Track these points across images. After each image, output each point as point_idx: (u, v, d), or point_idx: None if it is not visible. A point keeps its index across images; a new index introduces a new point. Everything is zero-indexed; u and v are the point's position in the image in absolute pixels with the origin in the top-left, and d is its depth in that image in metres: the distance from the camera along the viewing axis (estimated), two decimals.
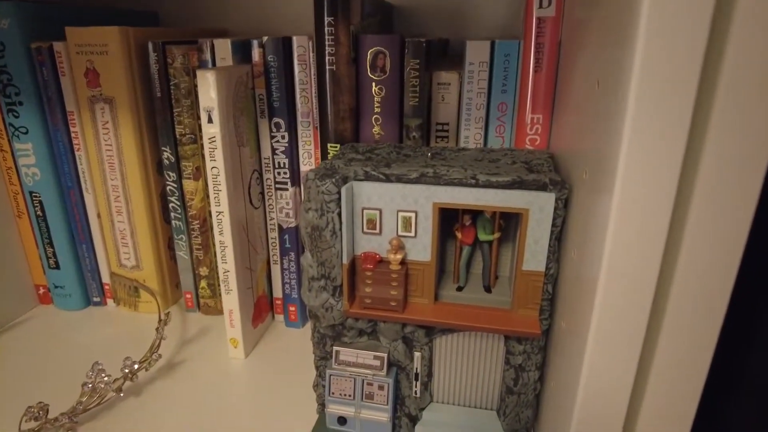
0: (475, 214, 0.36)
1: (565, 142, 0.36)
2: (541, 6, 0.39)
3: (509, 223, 0.37)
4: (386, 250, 0.35)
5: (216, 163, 0.42)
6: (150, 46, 0.48)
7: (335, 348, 0.38)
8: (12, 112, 0.51)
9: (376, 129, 0.44)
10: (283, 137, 0.48)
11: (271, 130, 0.48)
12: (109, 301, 0.59)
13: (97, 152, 0.51)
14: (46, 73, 0.50)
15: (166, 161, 0.52)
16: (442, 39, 0.56)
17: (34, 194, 0.53)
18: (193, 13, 0.64)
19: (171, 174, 0.52)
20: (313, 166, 0.47)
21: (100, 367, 0.41)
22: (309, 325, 0.55)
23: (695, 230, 0.24)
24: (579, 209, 0.30)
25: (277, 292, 0.54)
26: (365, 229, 0.35)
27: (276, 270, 0.53)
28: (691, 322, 0.26)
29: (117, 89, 0.49)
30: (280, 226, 0.51)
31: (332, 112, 0.44)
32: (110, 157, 0.51)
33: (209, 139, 0.42)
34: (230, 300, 0.47)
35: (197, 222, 0.53)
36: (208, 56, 0.47)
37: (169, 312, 0.49)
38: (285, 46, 0.45)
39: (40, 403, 0.38)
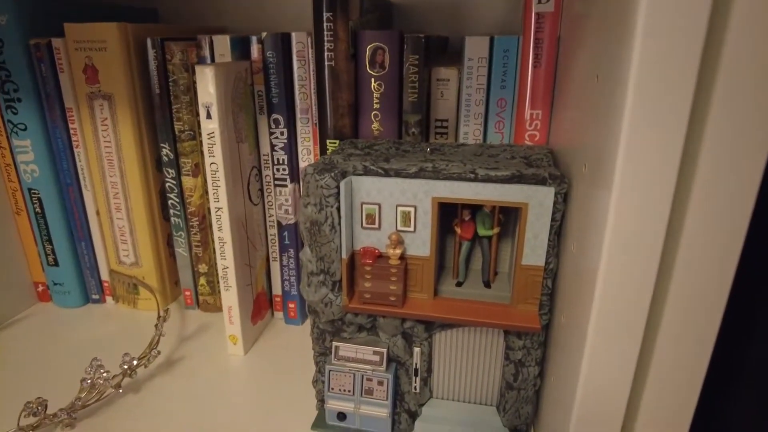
0: (475, 209, 0.36)
1: (565, 138, 0.36)
2: (540, 1, 0.38)
3: (508, 218, 0.37)
4: (385, 245, 0.35)
5: (215, 158, 0.42)
6: (149, 42, 0.48)
7: (335, 343, 0.38)
8: (11, 109, 0.50)
9: (375, 125, 0.44)
10: (282, 133, 0.48)
11: (270, 127, 0.48)
12: (108, 299, 0.58)
13: (96, 149, 0.51)
14: (44, 69, 0.49)
15: (165, 158, 0.51)
16: (442, 36, 0.56)
17: (32, 191, 0.53)
18: (192, 10, 0.64)
19: (170, 171, 0.52)
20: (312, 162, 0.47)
21: (99, 363, 0.41)
22: (308, 322, 0.55)
23: (694, 223, 0.24)
24: (578, 203, 0.30)
25: (277, 289, 0.54)
26: (364, 224, 0.35)
27: (275, 267, 0.53)
28: (690, 315, 0.26)
29: (116, 86, 0.49)
30: (279, 223, 0.51)
31: (331, 108, 0.44)
32: (109, 153, 0.51)
33: (208, 134, 0.42)
34: (229, 296, 0.47)
35: (196, 219, 0.53)
36: (206, 52, 0.47)
37: (168, 309, 0.49)
38: (284, 42, 0.45)
39: (39, 398, 0.38)
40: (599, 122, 0.26)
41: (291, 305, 0.53)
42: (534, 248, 0.33)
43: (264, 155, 0.49)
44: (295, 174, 0.49)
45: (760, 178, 0.23)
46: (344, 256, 0.35)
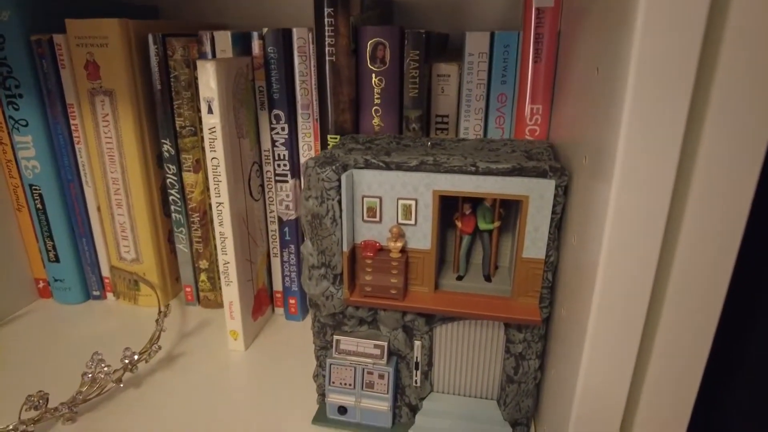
0: (475, 203, 0.36)
1: (565, 132, 0.36)
2: None
3: (509, 212, 0.37)
4: (386, 238, 0.35)
5: (216, 153, 0.42)
6: (150, 38, 0.48)
7: (335, 337, 0.38)
8: (12, 105, 0.51)
9: (375, 120, 0.44)
10: (283, 129, 0.48)
11: (270, 122, 0.48)
12: (109, 295, 0.59)
13: (97, 145, 0.52)
14: (46, 65, 0.50)
15: (166, 154, 0.52)
16: (442, 34, 0.56)
17: (33, 187, 0.53)
18: (193, 7, 0.64)
19: (171, 167, 0.52)
20: None
21: (100, 357, 0.41)
22: (309, 318, 0.55)
23: (694, 215, 0.24)
24: (579, 196, 0.30)
25: (277, 285, 0.54)
26: (365, 217, 0.35)
27: (276, 263, 0.53)
28: (690, 307, 0.26)
29: (117, 82, 0.49)
30: (280, 219, 0.51)
31: (332, 104, 0.44)
32: (110, 149, 0.51)
33: (209, 129, 0.42)
34: (230, 292, 0.47)
35: (197, 215, 0.53)
36: (208, 48, 0.47)
37: (169, 304, 0.49)
38: (285, 38, 0.46)
39: (40, 391, 0.38)
40: (599, 114, 0.26)
41: (292, 301, 0.54)
42: (534, 241, 0.33)
43: (265, 151, 0.49)
44: (296, 170, 0.50)
45: (759, 170, 0.23)
46: (345, 249, 0.35)
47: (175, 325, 0.54)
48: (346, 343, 0.38)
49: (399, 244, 0.34)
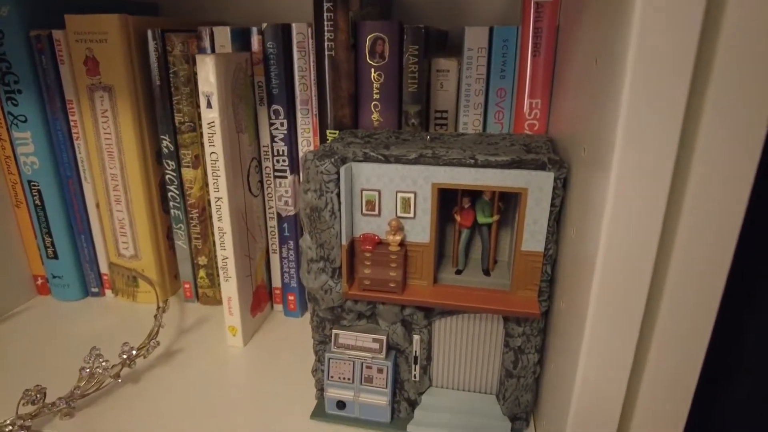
0: (474, 196, 0.36)
1: (564, 126, 0.36)
2: None
3: (508, 206, 0.37)
4: (385, 231, 0.35)
5: (215, 148, 0.42)
6: (149, 33, 0.48)
7: (334, 331, 0.38)
8: (11, 101, 0.51)
9: (375, 115, 0.44)
10: (282, 124, 0.48)
11: (270, 118, 0.48)
12: (108, 292, 0.58)
13: (96, 141, 0.51)
14: (45, 61, 0.50)
15: (165, 150, 0.51)
16: (441, 31, 0.56)
17: (32, 183, 0.53)
18: (192, 4, 0.64)
19: (170, 163, 0.52)
20: None
21: (98, 352, 0.41)
22: (308, 315, 0.55)
23: (693, 205, 0.24)
24: (578, 189, 0.30)
25: (276, 282, 0.54)
26: (364, 211, 0.35)
27: (275, 259, 0.53)
28: (689, 299, 0.26)
29: (116, 77, 0.49)
30: (279, 215, 0.51)
31: (331, 99, 0.44)
32: (109, 145, 0.51)
33: (208, 124, 0.42)
34: (229, 287, 0.47)
35: (196, 211, 0.53)
36: (207, 44, 0.47)
37: (167, 300, 0.49)
38: (284, 33, 0.46)
39: (38, 386, 0.38)
40: (598, 105, 0.26)
41: (290, 297, 0.53)
42: (534, 234, 0.33)
43: (264, 146, 0.49)
44: (295, 165, 0.50)
45: (758, 159, 0.23)
46: (344, 242, 0.35)
47: (174, 321, 0.54)
48: (345, 337, 0.38)
49: (398, 238, 0.34)
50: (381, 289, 0.35)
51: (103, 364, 0.41)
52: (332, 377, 0.38)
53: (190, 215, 0.53)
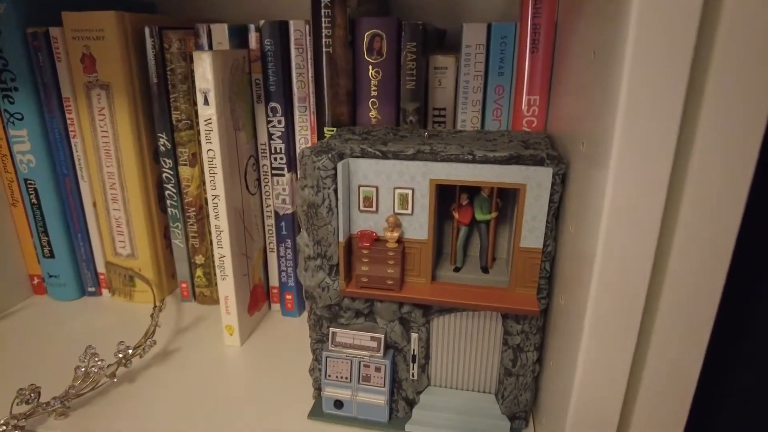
0: (472, 193, 0.35)
1: (562, 122, 0.36)
2: None
3: (506, 203, 0.37)
4: (383, 228, 0.35)
5: (212, 145, 0.42)
6: (147, 31, 0.48)
7: (332, 329, 0.37)
8: (7, 98, 0.50)
9: (372, 113, 0.44)
10: (279, 122, 0.48)
11: (267, 115, 0.48)
12: (104, 291, 0.58)
13: (93, 139, 0.51)
14: (42, 58, 0.49)
15: (162, 148, 0.51)
16: (440, 29, 0.56)
17: (29, 182, 0.53)
18: (190, 2, 0.64)
19: (167, 161, 0.52)
20: None
21: (93, 350, 0.41)
22: (305, 314, 0.54)
23: (693, 199, 0.24)
24: (577, 184, 0.30)
25: (273, 281, 0.53)
26: (362, 207, 0.35)
27: (272, 258, 0.52)
28: (689, 295, 0.25)
29: (113, 75, 0.49)
30: (276, 213, 0.51)
31: (329, 96, 0.43)
32: (106, 144, 0.51)
33: (205, 121, 0.41)
34: (226, 286, 0.46)
35: (193, 209, 0.52)
36: (204, 41, 0.47)
37: (164, 299, 0.48)
38: (282, 30, 0.45)
39: (32, 385, 0.38)
40: (596, 98, 0.26)
41: (288, 297, 0.53)
42: (532, 230, 0.33)
43: (261, 144, 0.49)
44: (292, 163, 0.49)
45: (757, 154, 0.23)
46: (341, 239, 0.34)
47: (171, 320, 0.53)
48: (343, 335, 0.37)
49: (396, 234, 0.34)
50: (378, 286, 0.35)
51: (99, 363, 0.41)
52: (330, 376, 0.38)
53: (187, 214, 0.52)
